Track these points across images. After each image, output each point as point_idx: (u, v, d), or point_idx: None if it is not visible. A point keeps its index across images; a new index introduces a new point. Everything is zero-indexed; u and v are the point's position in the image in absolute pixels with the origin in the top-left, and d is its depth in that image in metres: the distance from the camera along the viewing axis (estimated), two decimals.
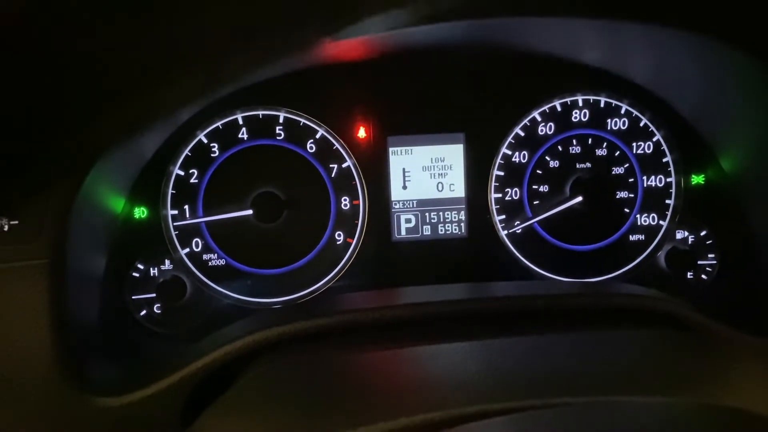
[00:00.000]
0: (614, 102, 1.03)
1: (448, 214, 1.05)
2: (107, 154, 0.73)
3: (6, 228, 0.64)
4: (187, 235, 1.00)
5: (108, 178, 0.86)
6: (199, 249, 1.00)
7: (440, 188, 1.04)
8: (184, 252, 0.99)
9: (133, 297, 0.98)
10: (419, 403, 0.49)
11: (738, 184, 1.00)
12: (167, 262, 0.99)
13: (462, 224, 1.05)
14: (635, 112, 1.04)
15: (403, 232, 1.05)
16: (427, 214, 1.05)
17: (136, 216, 0.97)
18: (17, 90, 0.27)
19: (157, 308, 0.99)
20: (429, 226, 1.05)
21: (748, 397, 0.55)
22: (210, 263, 1.01)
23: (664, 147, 1.04)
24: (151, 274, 0.99)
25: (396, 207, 1.04)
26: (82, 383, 0.70)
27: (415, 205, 1.04)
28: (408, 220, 1.04)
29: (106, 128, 0.60)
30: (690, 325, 0.73)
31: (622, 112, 1.04)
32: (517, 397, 0.48)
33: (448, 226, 1.05)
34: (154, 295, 0.98)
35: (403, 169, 1.04)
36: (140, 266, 0.98)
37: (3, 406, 0.67)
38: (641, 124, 1.04)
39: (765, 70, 0.75)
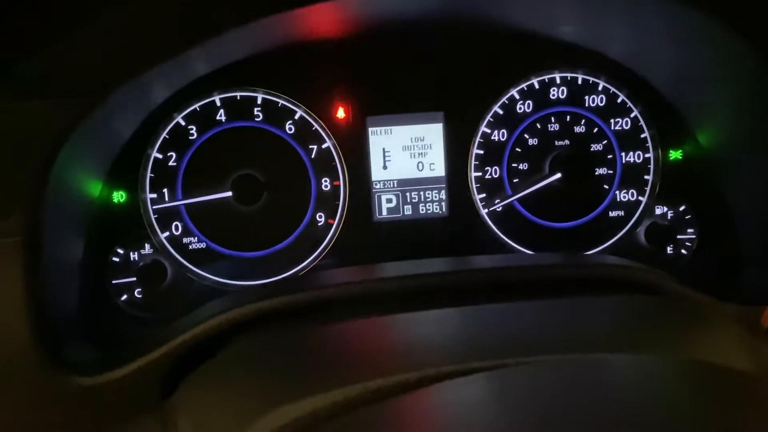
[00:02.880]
0: (591, 79, 1.04)
1: (428, 194, 1.05)
2: (80, 132, 0.73)
3: None
4: (166, 218, 0.99)
5: (83, 160, 0.85)
6: (179, 233, 1.00)
7: (420, 168, 1.04)
8: (163, 236, 0.99)
9: (113, 282, 0.97)
10: (396, 365, 0.49)
11: (715, 158, 1.01)
12: (147, 246, 0.99)
13: (443, 203, 1.05)
14: (612, 89, 1.04)
15: (384, 212, 1.05)
16: (407, 193, 1.05)
17: (115, 200, 0.97)
18: None
19: (138, 293, 0.98)
20: (410, 206, 1.05)
21: (723, 355, 0.56)
22: (190, 246, 1.00)
23: (642, 123, 1.05)
24: (131, 259, 0.98)
25: (377, 187, 1.04)
26: (61, 363, 0.69)
27: (395, 185, 1.04)
28: (389, 200, 1.04)
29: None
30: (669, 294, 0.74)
31: (600, 88, 1.04)
32: (491, 357, 0.48)
33: (429, 206, 1.05)
34: (134, 279, 0.98)
35: (383, 149, 1.04)
36: (120, 251, 0.98)
37: None
38: (619, 101, 1.04)
39: (741, 43, 0.75)
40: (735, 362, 0.56)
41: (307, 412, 0.47)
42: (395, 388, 0.47)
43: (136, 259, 0.98)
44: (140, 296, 0.98)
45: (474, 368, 0.48)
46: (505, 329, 0.58)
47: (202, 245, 1.00)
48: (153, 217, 0.98)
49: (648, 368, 0.48)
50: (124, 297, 0.98)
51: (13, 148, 0.67)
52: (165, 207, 0.98)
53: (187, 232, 1.00)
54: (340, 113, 1.02)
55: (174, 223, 0.99)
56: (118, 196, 0.97)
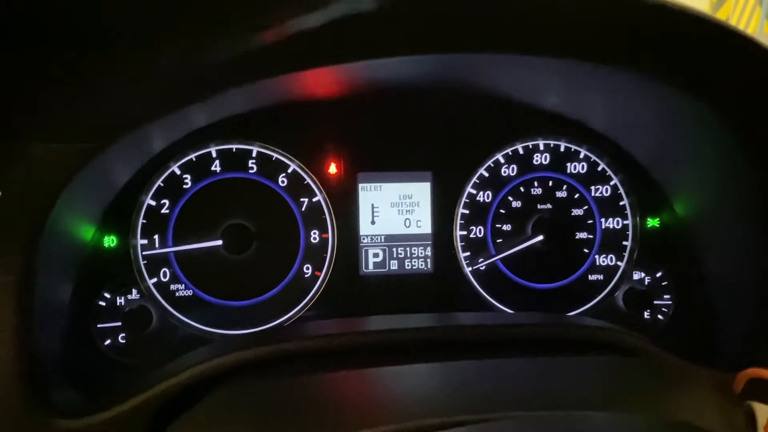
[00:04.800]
0: (573, 147, 1.09)
1: (414, 250, 1.08)
2: (78, 179, 0.75)
3: None
4: (155, 264, 1.00)
5: (79, 206, 0.87)
6: (166, 279, 1.01)
7: (407, 224, 1.07)
8: (151, 282, 1.00)
9: (98, 326, 0.97)
10: (378, 417, 0.51)
11: (691, 227, 1.05)
12: (134, 291, 1.00)
13: (428, 260, 1.08)
14: (593, 157, 1.09)
15: (371, 266, 1.07)
16: (394, 249, 1.07)
17: (105, 245, 0.98)
18: None
19: (122, 338, 0.98)
20: (396, 261, 1.07)
21: (695, 416, 0.58)
22: (177, 294, 1.01)
23: (621, 191, 1.10)
24: (118, 303, 0.99)
25: (364, 241, 1.07)
26: (46, 405, 0.70)
27: (382, 240, 1.07)
28: (376, 255, 1.07)
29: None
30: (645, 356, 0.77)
31: (581, 156, 1.09)
32: (473, 411, 0.50)
33: (415, 262, 1.08)
34: (119, 324, 0.98)
35: (372, 204, 1.07)
36: (107, 295, 0.98)
37: None
38: (599, 169, 1.09)
39: (716, 120, 0.80)
40: (708, 424, 0.59)
41: None
42: None
43: (123, 304, 0.99)
44: (124, 341, 0.98)
45: (452, 422, 0.49)
46: (485, 385, 0.60)
47: (189, 293, 1.01)
48: (142, 263, 1.00)
49: (624, 426, 0.50)
50: (108, 341, 0.98)
51: (12, 190, 0.69)
52: (155, 253, 1.00)
53: (174, 279, 1.01)
54: (332, 169, 1.05)
55: (162, 270, 1.00)
56: (109, 241, 0.98)
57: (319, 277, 1.05)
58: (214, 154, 1.01)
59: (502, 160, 1.08)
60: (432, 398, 0.57)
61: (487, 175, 1.08)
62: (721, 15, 3.97)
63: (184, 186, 1.00)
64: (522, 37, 0.69)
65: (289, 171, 1.03)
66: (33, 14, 0.21)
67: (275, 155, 1.03)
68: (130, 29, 0.21)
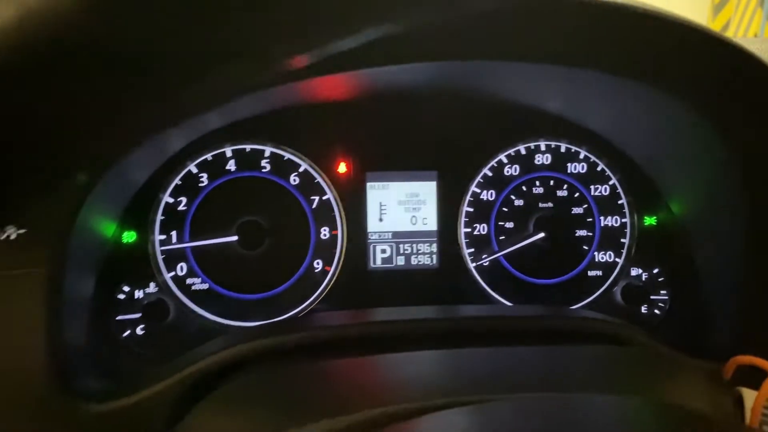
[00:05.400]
0: (574, 148, 1.13)
1: (420, 246, 1.12)
2: (105, 177, 0.79)
3: (13, 236, 0.69)
4: (172, 259, 1.05)
5: (103, 203, 0.91)
6: (183, 273, 1.05)
7: (414, 222, 1.12)
8: (169, 276, 1.04)
9: (117, 318, 1.02)
10: (382, 399, 0.55)
11: (685, 226, 1.09)
12: (152, 285, 1.04)
13: (433, 256, 1.12)
14: (593, 158, 1.13)
15: (379, 262, 1.11)
16: (401, 245, 1.11)
17: (125, 240, 1.02)
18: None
19: (141, 329, 1.03)
20: (403, 257, 1.11)
21: (685, 401, 0.62)
22: (193, 287, 1.05)
23: (620, 190, 1.14)
24: (136, 297, 1.03)
25: (372, 238, 1.11)
26: (72, 391, 0.74)
27: (390, 237, 1.11)
28: (383, 251, 1.11)
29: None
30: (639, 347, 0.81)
31: (581, 157, 1.13)
32: (472, 393, 0.54)
33: (421, 258, 1.12)
34: (138, 316, 1.02)
35: (380, 202, 1.11)
36: (126, 288, 1.02)
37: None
38: (598, 169, 1.13)
39: (706, 125, 0.84)
40: (698, 407, 0.63)
41: None
42: (384, 418, 0.53)
43: (141, 297, 1.03)
44: (142, 333, 1.03)
45: (455, 402, 0.54)
46: (487, 370, 0.64)
47: (205, 286, 1.06)
48: (160, 257, 1.04)
49: (616, 408, 0.54)
50: (127, 333, 1.02)
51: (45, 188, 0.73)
52: (172, 248, 1.04)
53: (191, 273, 1.05)
54: (342, 168, 1.10)
55: (179, 264, 1.05)
56: (129, 237, 1.03)
57: (329, 271, 1.09)
58: (229, 154, 1.05)
59: (505, 161, 1.13)
60: (436, 381, 0.61)
61: (490, 174, 1.12)
62: (722, 17, 4.00)
63: (201, 184, 1.05)
64: (529, 48, 0.74)
65: (301, 170, 1.08)
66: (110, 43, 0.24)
67: (287, 155, 1.07)
68: (182, 60, 0.23)
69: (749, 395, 0.66)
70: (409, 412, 0.53)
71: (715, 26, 3.76)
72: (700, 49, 0.73)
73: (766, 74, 0.75)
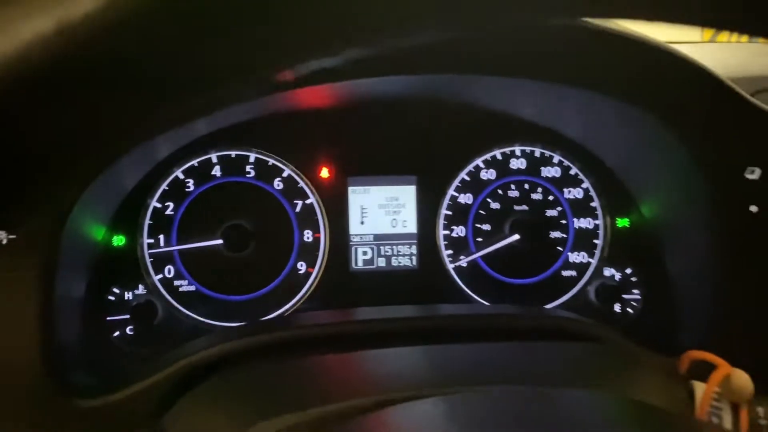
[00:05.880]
0: (548, 153, 1.17)
1: (400, 248, 1.16)
2: (93, 185, 0.83)
3: (5, 242, 0.73)
4: (160, 262, 1.08)
5: (93, 208, 0.95)
6: (171, 275, 1.09)
7: (394, 224, 1.16)
8: (157, 278, 1.08)
9: (108, 318, 1.05)
10: (358, 392, 0.59)
11: (656, 228, 1.13)
12: (141, 287, 1.08)
13: (413, 257, 1.16)
14: (566, 162, 1.17)
15: (360, 264, 1.15)
16: (381, 247, 1.16)
17: (115, 244, 1.06)
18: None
19: (130, 329, 1.06)
20: (384, 259, 1.15)
21: (642, 394, 0.67)
22: (181, 289, 1.09)
23: (593, 193, 1.18)
24: (126, 298, 1.07)
25: (354, 240, 1.15)
26: (65, 388, 0.78)
27: (371, 239, 1.15)
28: (365, 253, 1.15)
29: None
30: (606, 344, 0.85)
31: (555, 161, 1.17)
32: (452, 384, 0.59)
33: (401, 259, 1.16)
34: (128, 316, 1.06)
35: (361, 206, 1.15)
36: (116, 290, 1.06)
37: None
38: (572, 173, 1.18)
39: (677, 136, 0.89)
40: (652, 400, 0.67)
41: (286, 426, 0.57)
42: (363, 409, 0.57)
43: (131, 298, 1.07)
44: (132, 333, 1.06)
45: (431, 393, 0.58)
46: (459, 364, 0.68)
47: (192, 288, 1.09)
48: (148, 260, 1.08)
49: (578, 401, 0.59)
50: (117, 333, 1.06)
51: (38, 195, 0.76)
52: (160, 251, 1.08)
53: (178, 275, 1.09)
54: (324, 173, 1.13)
55: (167, 267, 1.09)
56: (118, 240, 1.06)
57: (312, 273, 1.13)
58: (214, 160, 1.09)
59: (481, 165, 1.17)
60: (411, 374, 0.65)
61: (468, 178, 1.16)
62: None
63: (187, 189, 1.08)
64: (506, 63, 0.78)
65: (284, 175, 1.12)
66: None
67: (271, 161, 1.11)
68: (188, 74, 0.26)
69: (700, 388, 0.71)
70: (383, 403, 0.57)
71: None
72: (664, 66, 0.78)
73: (723, 90, 0.80)
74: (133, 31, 0.24)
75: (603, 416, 0.56)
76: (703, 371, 0.76)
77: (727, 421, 0.66)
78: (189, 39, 0.26)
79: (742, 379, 0.66)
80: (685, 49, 0.81)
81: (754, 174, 0.84)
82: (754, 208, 0.86)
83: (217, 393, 0.70)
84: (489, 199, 1.17)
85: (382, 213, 1.16)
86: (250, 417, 0.60)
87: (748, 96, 0.80)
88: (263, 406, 0.61)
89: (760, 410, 0.68)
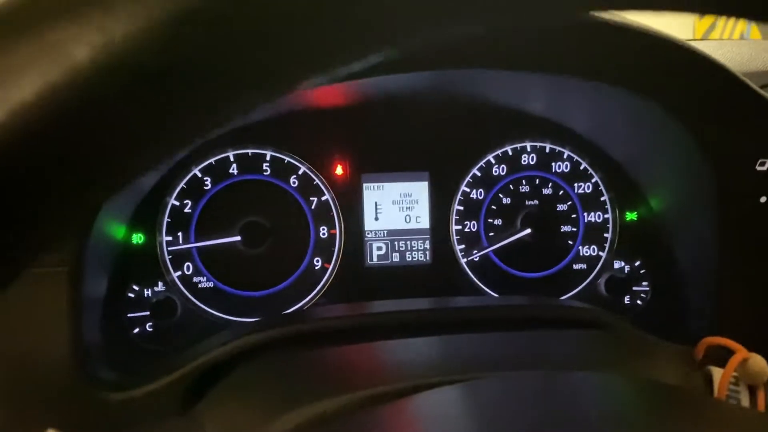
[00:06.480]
0: (558, 148, 1.19)
1: (414, 243, 1.18)
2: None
3: None
4: (179, 259, 1.10)
5: (115, 208, 0.97)
6: (189, 272, 1.11)
7: (408, 220, 1.18)
8: (176, 275, 1.10)
9: (128, 315, 1.07)
10: (378, 380, 0.61)
11: (664, 221, 1.15)
12: (160, 283, 1.09)
13: (427, 252, 1.18)
14: (576, 157, 1.19)
15: (375, 259, 1.17)
16: (396, 242, 1.17)
17: (134, 242, 1.08)
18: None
19: (150, 326, 1.08)
20: (398, 254, 1.17)
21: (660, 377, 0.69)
22: (199, 285, 1.11)
23: (602, 187, 1.20)
24: (145, 295, 1.09)
25: (369, 236, 1.17)
26: (93, 381, 0.80)
27: (385, 235, 1.17)
28: (379, 248, 1.17)
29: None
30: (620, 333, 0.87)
31: (565, 157, 1.20)
32: (465, 372, 0.61)
33: (415, 254, 1.18)
34: (147, 313, 1.08)
35: (375, 202, 1.17)
36: (135, 287, 1.08)
37: (25, 400, 0.76)
38: (581, 168, 1.20)
39: (686, 130, 0.91)
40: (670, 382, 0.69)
41: (316, 414, 0.59)
42: (386, 395, 0.59)
43: (150, 295, 1.09)
44: (151, 329, 1.08)
45: (451, 380, 0.60)
46: (476, 352, 0.70)
47: (210, 284, 1.11)
48: (167, 257, 1.09)
49: (597, 383, 0.61)
50: (137, 330, 1.08)
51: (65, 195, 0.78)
52: (179, 249, 1.10)
53: (197, 272, 1.11)
54: (339, 170, 1.15)
55: (186, 264, 1.10)
56: (137, 238, 1.08)
57: (328, 268, 1.15)
58: (231, 158, 1.11)
59: (493, 161, 1.19)
60: (428, 363, 0.67)
61: (479, 174, 1.18)
62: (708, 17, 4.06)
63: (205, 187, 1.10)
64: (517, 57, 0.80)
65: (300, 173, 1.14)
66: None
67: (287, 158, 1.13)
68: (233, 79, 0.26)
69: (717, 372, 0.73)
70: (401, 391, 0.59)
71: (701, 26, 3.83)
72: (673, 58, 0.80)
73: (731, 81, 0.82)
74: (176, 42, 0.24)
75: (623, 397, 0.58)
76: (718, 358, 0.79)
77: (745, 403, 0.69)
78: (224, 47, 0.26)
79: (759, 363, 0.68)
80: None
81: (764, 166, 0.86)
82: (763, 199, 0.88)
83: (245, 384, 0.72)
84: (500, 195, 1.19)
85: (396, 209, 1.17)
86: (274, 409, 0.62)
87: (759, 89, 0.82)
88: (297, 393, 0.63)
89: None
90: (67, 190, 0.26)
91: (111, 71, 0.23)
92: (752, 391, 0.69)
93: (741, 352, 0.70)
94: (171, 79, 0.25)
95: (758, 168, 0.87)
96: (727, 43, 1.28)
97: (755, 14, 0.31)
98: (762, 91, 0.81)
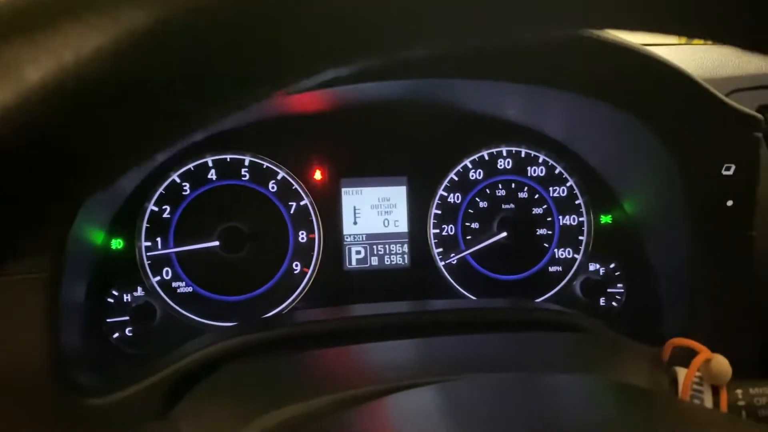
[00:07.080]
0: (533, 153, 1.21)
1: (392, 247, 1.19)
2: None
3: None
4: (158, 264, 1.11)
5: (93, 213, 0.97)
6: (169, 277, 1.11)
7: (386, 224, 1.19)
8: (155, 280, 1.10)
9: (108, 320, 1.07)
10: (356, 383, 0.63)
11: (638, 224, 1.18)
12: (140, 289, 1.10)
13: (405, 256, 1.20)
14: (551, 162, 1.22)
15: (354, 263, 1.18)
16: (374, 246, 1.19)
17: (113, 247, 1.08)
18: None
19: (129, 331, 1.09)
20: (376, 257, 1.19)
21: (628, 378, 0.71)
22: (178, 290, 1.11)
23: (577, 191, 1.22)
24: (125, 300, 1.09)
25: (348, 240, 1.18)
26: (72, 387, 0.80)
27: (364, 239, 1.19)
28: (358, 252, 1.18)
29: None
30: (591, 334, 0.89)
31: (540, 161, 1.22)
32: (441, 374, 0.62)
33: (393, 257, 1.19)
34: (127, 318, 1.08)
35: (354, 207, 1.18)
36: (115, 292, 1.08)
37: (4, 407, 0.76)
38: (556, 172, 1.22)
39: (656, 137, 0.93)
40: (637, 383, 0.71)
41: (293, 416, 0.60)
42: (364, 397, 0.61)
43: (129, 300, 1.09)
44: (131, 334, 1.09)
45: (426, 382, 0.61)
46: (452, 354, 0.72)
47: (189, 289, 1.12)
48: (146, 263, 1.10)
49: (562, 384, 0.62)
50: (117, 334, 1.08)
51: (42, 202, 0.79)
52: (158, 254, 1.10)
53: (176, 277, 1.11)
54: (318, 175, 1.16)
55: (165, 269, 1.11)
56: (117, 244, 1.08)
57: (307, 273, 1.16)
58: (210, 164, 1.12)
59: (470, 166, 1.20)
60: (405, 366, 0.69)
61: (456, 179, 1.20)
62: None
63: (184, 193, 1.11)
64: (493, 69, 0.82)
65: (279, 178, 1.14)
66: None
67: (266, 164, 1.14)
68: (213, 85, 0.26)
69: (682, 373, 0.75)
70: (379, 393, 0.61)
71: None
72: (637, 67, 0.82)
73: (699, 92, 0.84)
74: (158, 50, 0.25)
75: (590, 398, 0.59)
76: (685, 358, 0.81)
77: (708, 403, 0.71)
78: (205, 54, 0.26)
79: (722, 364, 0.70)
80: (661, 51, 0.85)
81: (729, 171, 0.89)
82: (730, 203, 0.91)
83: (223, 387, 0.73)
84: (477, 199, 1.21)
85: (375, 213, 1.19)
86: (249, 412, 0.63)
87: (722, 96, 0.84)
88: (274, 395, 0.64)
89: (738, 392, 0.72)
90: (27, 204, 0.27)
91: (59, 93, 0.24)
92: (716, 391, 0.71)
93: (704, 353, 0.72)
94: (122, 101, 0.25)
95: (724, 172, 0.89)
96: (700, 48, 1.31)
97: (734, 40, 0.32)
98: (724, 97, 0.84)
